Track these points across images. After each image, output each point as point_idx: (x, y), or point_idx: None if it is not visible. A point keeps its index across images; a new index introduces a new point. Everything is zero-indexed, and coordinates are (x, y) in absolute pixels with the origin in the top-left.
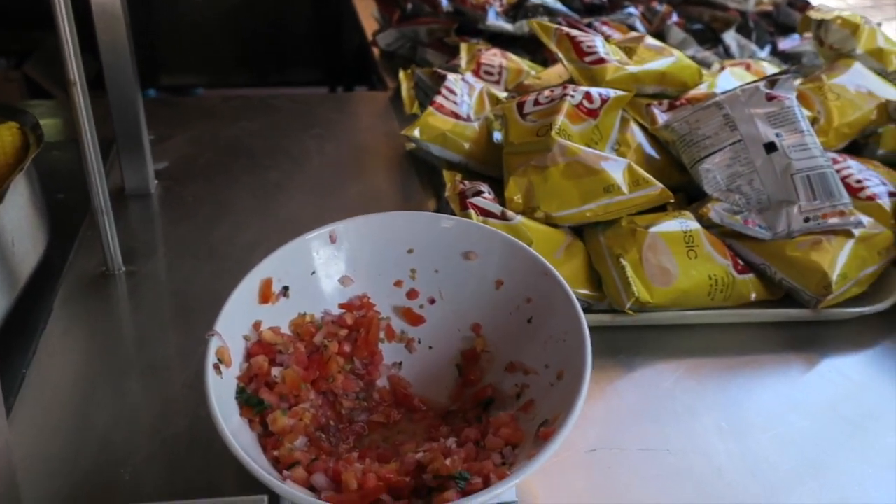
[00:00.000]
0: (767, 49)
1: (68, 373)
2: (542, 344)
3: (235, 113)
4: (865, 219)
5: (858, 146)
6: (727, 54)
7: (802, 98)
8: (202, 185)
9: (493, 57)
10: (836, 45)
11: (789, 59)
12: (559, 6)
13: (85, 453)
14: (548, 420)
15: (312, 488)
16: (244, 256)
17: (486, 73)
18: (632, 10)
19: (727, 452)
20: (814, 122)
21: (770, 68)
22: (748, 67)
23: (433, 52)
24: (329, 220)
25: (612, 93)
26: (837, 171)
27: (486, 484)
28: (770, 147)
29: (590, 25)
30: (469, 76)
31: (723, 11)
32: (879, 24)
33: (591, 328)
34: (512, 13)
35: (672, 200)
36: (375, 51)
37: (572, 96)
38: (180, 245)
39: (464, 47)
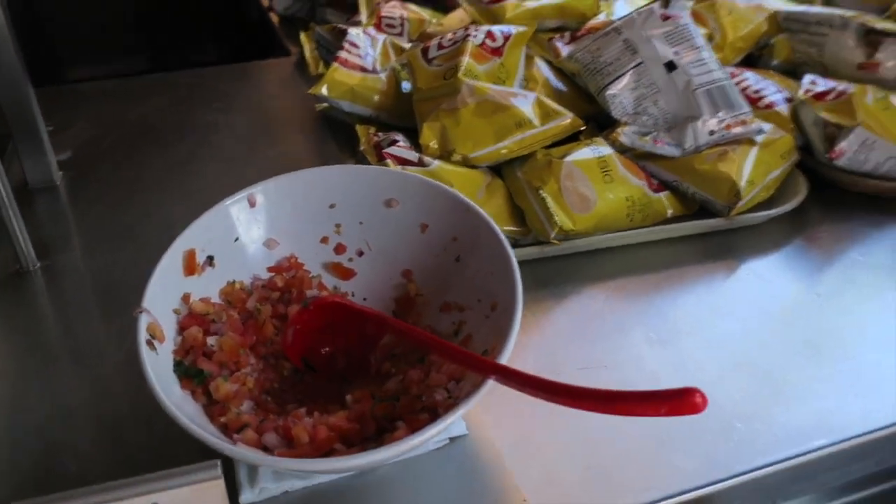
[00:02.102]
0: None
1: (14, 375)
2: (472, 280)
3: (135, 94)
4: (766, 125)
5: (753, 58)
6: None
7: (697, 17)
8: (109, 170)
9: (394, 9)
10: None
11: None
12: None
13: (24, 448)
14: (486, 350)
15: (265, 449)
16: (162, 235)
17: (388, 25)
18: None
19: (659, 360)
20: (710, 39)
21: None
22: None
23: (332, 10)
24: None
25: (513, 29)
26: (736, 83)
27: (435, 418)
28: (670, 66)
29: None
30: (371, 30)
31: None
32: None
33: (519, 262)
34: None
35: (583, 128)
36: (274, 18)
37: (475, 36)
38: (94, 232)
39: (362, 2)
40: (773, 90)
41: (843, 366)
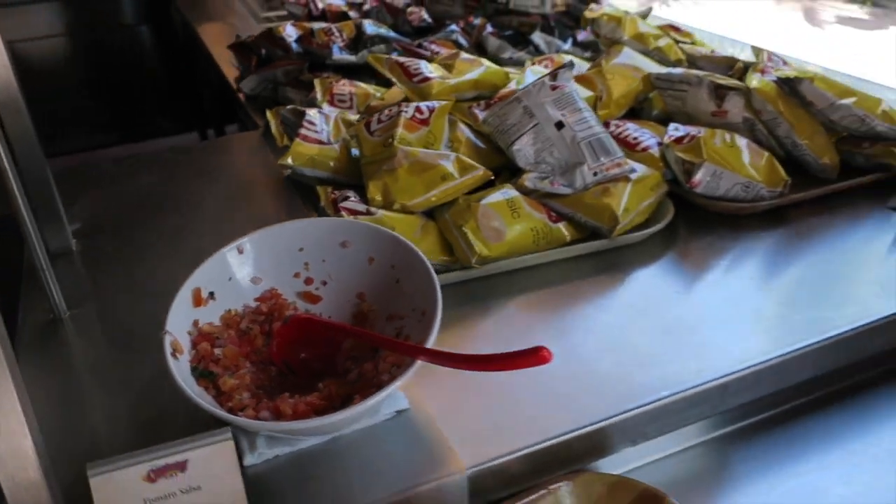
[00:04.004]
0: (569, 42)
1: (44, 397)
2: (408, 295)
3: (129, 171)
4: (638, 166)
5: (636, 111)
6: (537, 51)
7: (588, 80)
8: (115, 237)
9: (343, 87)
10: (608, 34)
11: (588, 47)
12: (391, 34)
13: (76, 451)
14: (418, 343)
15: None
16: (168, 285)
17: (340, 100)
18: (454, 27)
19: (555, 347)
20: (599, 98)
21: (570, 58)
22: (551, 61)
23: (292, 89)
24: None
25: (436, 104)
26: (618, 133)
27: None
28: (559, 125)
29: (420, 46)
30: (325, 107)
31: (527, 17)
32: (647, 12)
33: (450, 284)
34: (353, 46)
35: (492, 178)
36: (241, 95)
37: (406, 111)
38: (110, 287)
39: (317, 82)
40: (647, 136)
41: (688, 339)
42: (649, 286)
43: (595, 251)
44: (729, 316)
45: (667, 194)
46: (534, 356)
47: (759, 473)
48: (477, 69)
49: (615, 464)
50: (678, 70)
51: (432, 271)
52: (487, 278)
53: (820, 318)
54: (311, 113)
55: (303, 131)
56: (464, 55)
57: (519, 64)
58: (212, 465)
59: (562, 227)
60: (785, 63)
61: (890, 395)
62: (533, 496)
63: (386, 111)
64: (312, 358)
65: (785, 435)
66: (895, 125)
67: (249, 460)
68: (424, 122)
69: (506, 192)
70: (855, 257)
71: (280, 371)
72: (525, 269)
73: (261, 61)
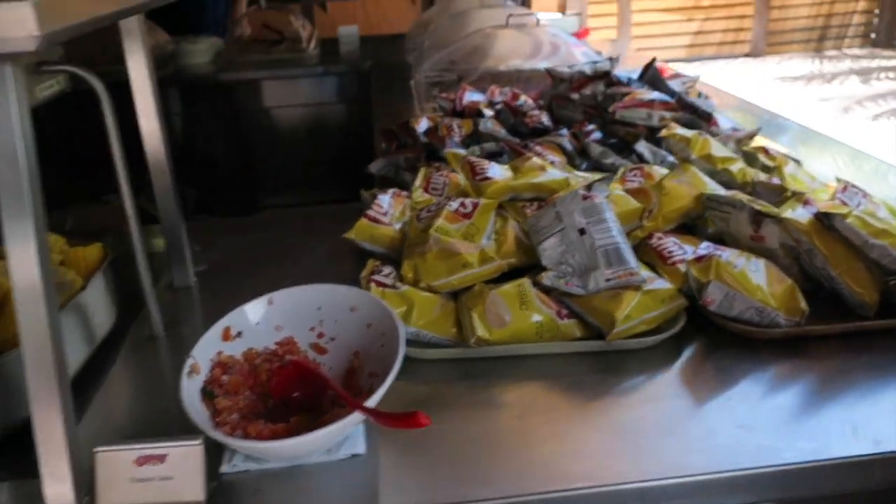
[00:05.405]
0: None
1: (127, 397)
2: (383, 358)
3: (261, 226)
4: (646, 275)
5: (690, 227)
6: (641, 160)
7: (644, 193)
8: (228, 279)
9: (441, 176)
10: (679, 153)
11: None
12: (502, 133)
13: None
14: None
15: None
16: None
17: (434, 188)
18: (563, 131)
19: (514, 425)
20: (650, 211)
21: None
22: (641, 171)
23: (409, 173)
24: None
25: (480, 201)
26: (657, 245)
27: None
28: (581, 231)
29: (525, 146)
30: (419, 192)
31: (633, 128)
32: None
33: (454, 359)
34: (467, 140)
35: (506, 271)
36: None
37: (451, 205)
38: (210, 315)
39: (422, 170)
40: (680, 252)
41: (634, 443)
42: (632, 390)
43: (594, 350)
44: (681, 429)
45: (686, 309)
46: (414, 419)
47: None
48: (541, 175)
49: None
50: (727, 192)
51: (400, 343)
52: (489, 359)
53: (770, 447)
54: (382, 196)
55: (370, 212)
56: (535, 160)
57: (614, 169)
58: (184, 463)
59: (572, 324)
60: (865, 196)
61: None
62: None
63: (436, 203)
64: (303, 396)
65: None
66: None
67: (224, 469)
68: (468, 215)
69: (521, 285)
70: (857, 397)
71: (276, 404)
72: (527, 357)
73: (399, 146)
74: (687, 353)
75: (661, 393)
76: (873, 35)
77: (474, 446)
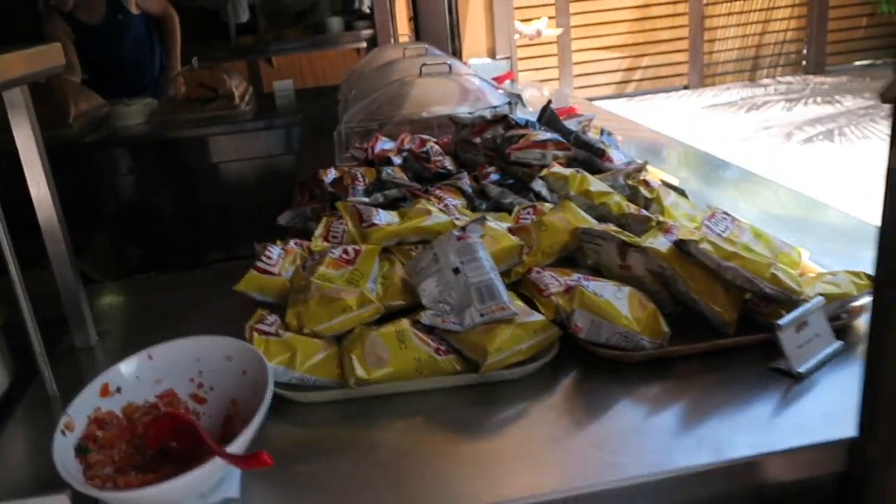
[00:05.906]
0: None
1: (21, 454)
2: (255, 405)
3: (167, 286)
4: (518, 310)
5: (568, 259)
6: (538, 198)
7: (526, 231)
8: (128, 338)
9: (340, 224)
10: (559, 190)
11: None
12: (404, 180)
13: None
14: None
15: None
16: None
17: (333, 237)
18: (463, 174)
19: (389, 462)
20: (530, 247)
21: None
22: (534, 209)
23: (314, 223)
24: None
25: (363, 247)
26: (535, 278)
27: None
28: (456, 271)
29: (426, 191)
30: (319, 241)
31: (529, 168)
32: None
33: (336, 402)
34: (371, 188)
35: (380, 314)
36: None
37: (333, 252)
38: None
39: (324, 219)
40: (556, 284)
41: (492, 469)
42: (503, 420)
43: (473, 383)
44: (542, 453)
45: (563, 338)
46: (258, 459)
47: None
48: (427, 219)
49: None
50: (600, 226)
51: (268, 388)
52: (373, 399)
53: (615, 464)
54: (271, 248)
55: (259, 263)
56: (421, 205)
57: (510, 209)
58: None
59: (452, 359)
60: (734, 221)
61: None
62: None
63: (320, 253)
64: (181, 446)
65: None
66: (783, 288)
67: None
68: (350, 261)
69: (400, 325)
70: (708, 410)
71: (154, 456)
72: (409, 394)
73: (311, 198)
74: (564, 381)
75: (531, 420)
76: (804, 63)
77: (346, 488)
